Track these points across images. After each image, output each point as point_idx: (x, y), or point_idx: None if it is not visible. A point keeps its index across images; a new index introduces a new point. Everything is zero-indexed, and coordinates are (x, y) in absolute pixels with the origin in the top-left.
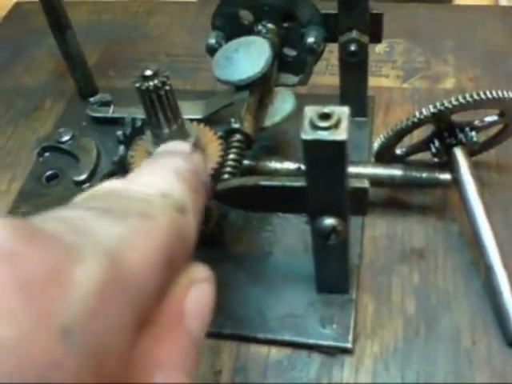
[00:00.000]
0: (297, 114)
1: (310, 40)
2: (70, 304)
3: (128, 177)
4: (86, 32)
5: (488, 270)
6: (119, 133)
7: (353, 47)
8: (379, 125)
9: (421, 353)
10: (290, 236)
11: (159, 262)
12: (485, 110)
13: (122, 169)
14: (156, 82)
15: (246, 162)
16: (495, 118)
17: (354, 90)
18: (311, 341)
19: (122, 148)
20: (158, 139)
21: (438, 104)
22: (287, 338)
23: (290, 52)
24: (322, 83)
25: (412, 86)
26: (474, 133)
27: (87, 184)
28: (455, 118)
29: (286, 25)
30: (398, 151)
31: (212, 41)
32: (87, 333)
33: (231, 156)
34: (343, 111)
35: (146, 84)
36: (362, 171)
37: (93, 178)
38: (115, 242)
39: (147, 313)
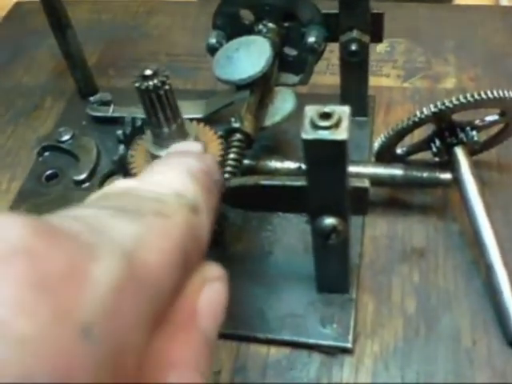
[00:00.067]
0: (297, 114)
1: (311, 39)
2: (88, 302)
3: (140, 176)
4: (87, 31)
5: (488, 269)
6: (119, 132)
7: (353, 47)
8: (380, 124)
9: (421, 352)
10: (290, 235)
11: (174, 262)
12: (485, 110)
13: (121, 168)
14: (156, 81)
15: (246, 161)
16: (496, 117)
17: (354, 89)
18: (311, 340)
19: (121, 147)
20: (158, 139)
21: (438, 103)
22: (287, 337)
23: (291, 51)
24: (322, 83)
25: (413, 86)
26: (474, 132)
27: (87, 183)
28: (456, 117)
29: (286, 24)
30: (399, 151)
31: (213, 40)
32: (106, 332)
33: (231, 155)
34: (344, 111)
35: (145, 84)
36: (362, 171)
37: (93, 177)
38: (131, 240)
39: (162, 312)
